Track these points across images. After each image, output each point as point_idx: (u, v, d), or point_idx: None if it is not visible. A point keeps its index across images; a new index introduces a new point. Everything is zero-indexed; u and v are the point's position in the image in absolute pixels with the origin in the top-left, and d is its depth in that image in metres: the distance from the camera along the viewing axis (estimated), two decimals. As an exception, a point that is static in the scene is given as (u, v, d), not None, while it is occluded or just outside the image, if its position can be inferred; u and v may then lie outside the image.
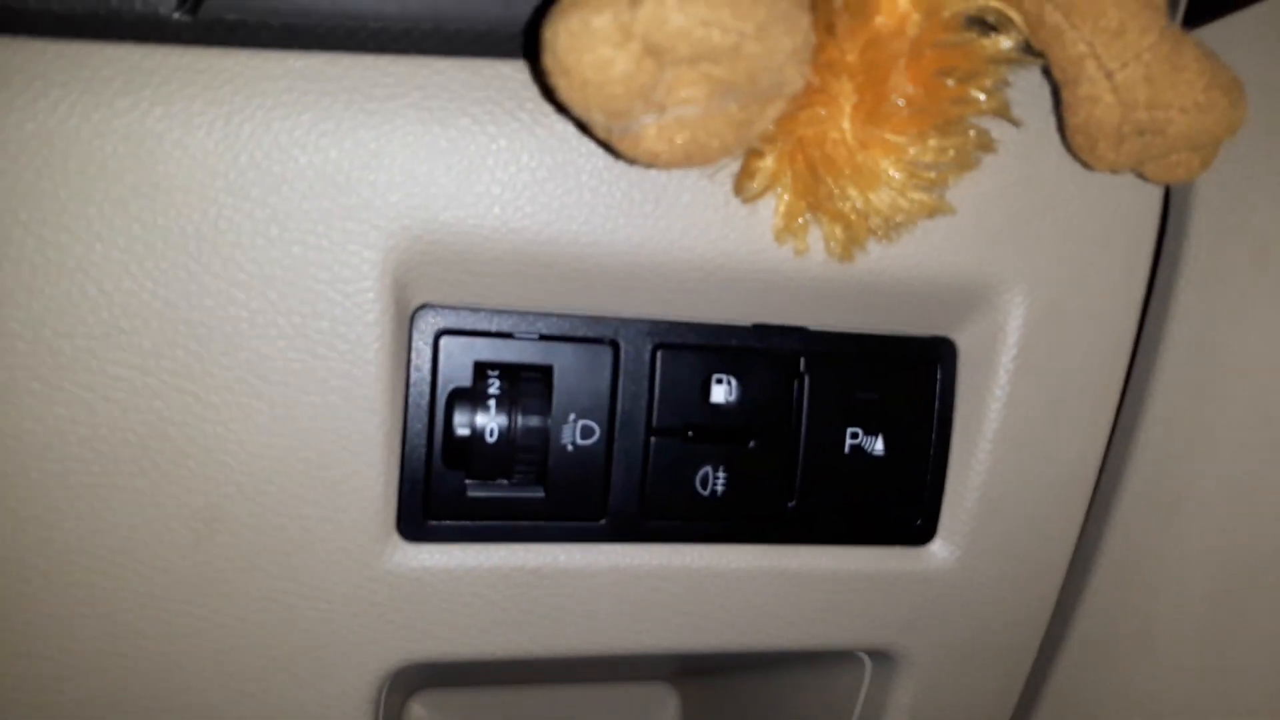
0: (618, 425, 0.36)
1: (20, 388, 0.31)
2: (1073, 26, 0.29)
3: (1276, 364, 0.37)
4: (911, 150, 0.30)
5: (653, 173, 0.33)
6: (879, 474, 0.39)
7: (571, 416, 0.36)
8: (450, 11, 0.30)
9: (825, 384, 0.38)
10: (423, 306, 0.34)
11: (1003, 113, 0.31)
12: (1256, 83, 0.33)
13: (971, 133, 0.31)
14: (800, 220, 0.33)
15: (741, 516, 0.38)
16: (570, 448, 0.36)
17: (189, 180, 0.30)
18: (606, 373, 0.36)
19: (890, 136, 0.30)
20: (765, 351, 0.38)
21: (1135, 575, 0.42)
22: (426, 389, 0.35)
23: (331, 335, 0.32)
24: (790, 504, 0.39)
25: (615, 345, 0.36)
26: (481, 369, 0.35)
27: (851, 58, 0.29)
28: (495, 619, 0.36)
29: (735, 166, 0.32)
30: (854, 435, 0.39)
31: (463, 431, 0.35)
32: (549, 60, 0.25)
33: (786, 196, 0.32)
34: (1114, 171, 0.34)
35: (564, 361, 0.36)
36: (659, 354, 0.37)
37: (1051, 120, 0.35)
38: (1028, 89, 0.34)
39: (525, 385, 0.36)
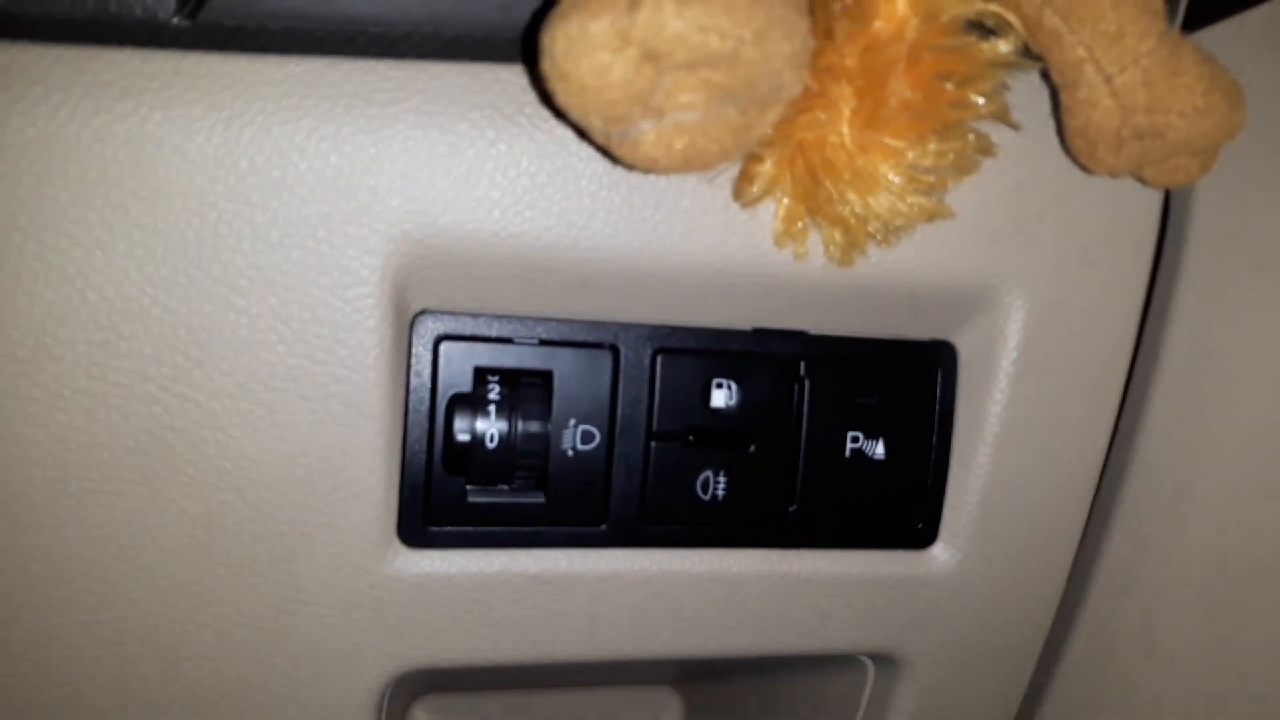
0: (618, 430, 0.36)
1: (21, 394, 0.31)
2: (1071, 30, 0.29)
3: (1276, 366, 0.37)
4: (911, 154, 0.30)
5: (652, 177, 0.33)
6: (880, 478, 0.39)
7: (572, 421, 0.36)
8: (449, 16, 0.30)
9: (825, 388, 0.38)
10: (422, 312, 0.34)
11: (1002, 116, 0.31)
12: (1255, 87, 0.33)
13: (971, 136, 0.31)
14: (799, 224, 0.33)
15: (742, 521, 0.38)
16: (571, 453, 0.36)
17: (189, 185, 0.30)
18: (607, 377, 0.36)
19: (889, 141, 0.30)
20: (765, 355, 0.38)
21: (1137, 577, 0.41)
22: (426, 394, 0.35)
23: (331, 341, 0.32)
24: (791, 508, 0.39)
25: (615, 350, 0.36)
26: (481, 374, 0.35)
27: (850, 62, 0.29)
28: (497, 625, 0.36)
29: (734, 171, 0.32)
30: (854, 439, 0.39)
31: (463, 437, 0.35)
32: (547, 65, 0.25)
33: (786, 201, 0.32)
34: (1113, 175, 0.34)
35: (564, 366, 0.36)
36: (659, 358, 0.37)
37: (1051, 124, 0.35)
38: (1027, 93, 0.34)
39: (525, 390, 0.36)
